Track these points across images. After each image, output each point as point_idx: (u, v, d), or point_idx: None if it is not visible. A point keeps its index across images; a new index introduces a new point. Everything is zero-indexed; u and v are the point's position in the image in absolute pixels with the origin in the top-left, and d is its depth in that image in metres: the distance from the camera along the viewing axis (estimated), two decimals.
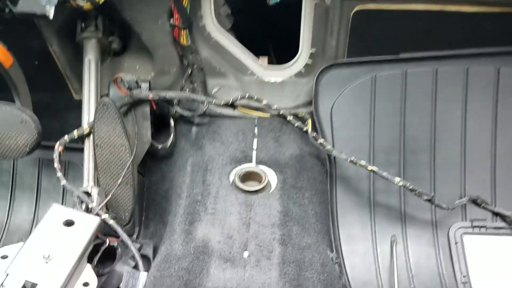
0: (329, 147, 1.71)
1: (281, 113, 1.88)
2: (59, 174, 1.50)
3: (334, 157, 1.74)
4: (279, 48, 2.19)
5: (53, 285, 1.19)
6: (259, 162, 1.74)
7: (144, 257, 1.53)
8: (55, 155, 1.53)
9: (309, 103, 1.93)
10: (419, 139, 1.75)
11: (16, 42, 1.56)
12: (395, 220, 1.69)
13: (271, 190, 1.64)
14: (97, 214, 1.44)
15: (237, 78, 1.99)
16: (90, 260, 1.37)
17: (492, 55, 1.76)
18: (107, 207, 1.58)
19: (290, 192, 1.63)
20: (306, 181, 1.69)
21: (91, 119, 1.64)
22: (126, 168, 1.59)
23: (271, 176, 1.69)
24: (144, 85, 1.76)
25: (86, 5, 1.52)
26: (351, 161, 1.62)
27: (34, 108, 1.64)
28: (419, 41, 1.78)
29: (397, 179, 1.57)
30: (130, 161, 1.59)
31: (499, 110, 1.73)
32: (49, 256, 1.24)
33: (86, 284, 1.29)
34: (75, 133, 1.61)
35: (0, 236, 1.83)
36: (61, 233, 1.32)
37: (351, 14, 1.74)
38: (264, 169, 1.70)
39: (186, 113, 1.88)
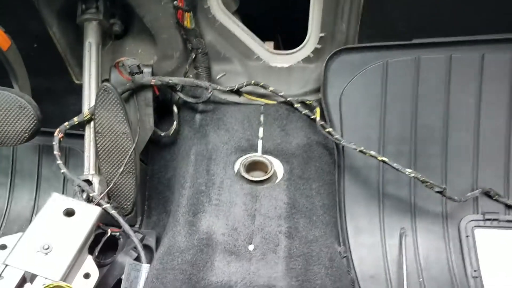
0: (337, 136, 1.67)
1: (288, 100, 1.83)
2: (59, 162, 1.47)
3: (343, 147, 1.70)
4: (286, 32, 2.13)
5: (53, 277, 1.17)
6: (265, 151, 1.70)
7: (147, 247, 1.53)
8: (55, 142, 1.50)
9: (317, 90, 1.88)
10: (431, 128, 1.71)
11: (14, 24, 1.53)
12: (405, 212, 1.66)
13: (277, 181, 1.61)
14: (98, 204, 1.41)
15: (242, 64, 1.95)
16: (91, 251, 1.35)
17: (509, 41, 1.70)
18: (109, 196, 1.57)
19: (297, 183, 1.59)
20: (314, 171, 1.65)
21: (92, 104, 1.60)
22: (128, 156, 1.57)
23: (277, 166, 1.65)
24: (147, 70, 1.72)
25: None
26: (361, 151, 1.59)
27: (33, 93, 1.60)
28: (433, 26, 1.72)
29: (408, 170, 1.54)
30: (132, 148, 1.57)
31: None
32: (48, 247, 1.22)
33: (87, 275, 1.27)
34: (76, 119, 1.58)
35: (0, 224, 1.81)
36: (61, 223, 1.29)
37: None
38: (270, 159, 1.66)
39: (190, 100, 1.83)
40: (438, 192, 1.56)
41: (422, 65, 1.72)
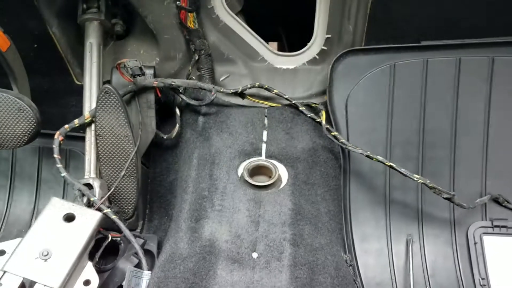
0: (343, 140, 1.65)
1: (293, 103, 1.81)
2: (59, 165, 1.44)
3: (349, 151, 1.68)
4: (291, 33, 2.11)
5: (52, 284, 1.15)
6: (269, 155, 1.68)
7: (148, 252, 1.50)
8: (55, 145, 1.47)
9: (323, 93, 1.86)
10: (439, 133, 1.69)
11: (14, 24, 1.52)
12: (412, 218, 1.64)
13: (282, 186, 1.59)
14: (99, 209, 1.38)
15: (246, 65, 1.93)
16: (91, 256, 1.32)
17: None
18: (110, 201, 1.55)
19: (301, 188, 1.57)
20: (319, 176, 1.63)
21: (93, 106, 1.58)
22: (129, 159, 1.54)
23: (281, 170, 1.64)
24: (149, 72, 1.69)
25: None
26: (368, 156, 1.56)
27: (33, 94, 1.59)
28: (441, 28, 1.71)
29: (416, 176, 1.51)
30: (134, 152, 1.54)
31: None
32: (48, 253, 1.20)
33: (87, 282, 1.25)
34: (76, 121, 1.55)
35: None
36: (61, 228, 1.27)
37: None
38: (274, 163, 1.64)
39: (193, 102, 1.81)
40: (446, 198, 1.53)
41: (431, 68, 1.69)
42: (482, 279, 1.53)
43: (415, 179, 1.51)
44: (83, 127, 1.57)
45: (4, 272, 1.14)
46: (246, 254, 1.35)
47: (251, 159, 1.66)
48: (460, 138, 1.67)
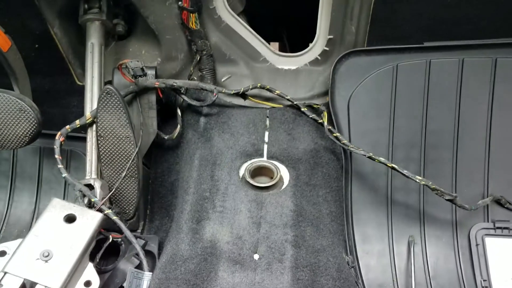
0: (345, 141, 1.64)
1: (294, 103, 1.81)
2: (60, 166, 1.44)
3: (351, 152, 1.67)
4: (293, 34, 2.10)
5: (53, 285, 1.15)
6: (270, 156, 1.68)
7: (149, 253, 1.50)
8: (56, 146, 1.47)
9: (325, 94, 1.86)
10: (441, 134, 1.68)
11: (15, 24, 1.51)
12: (413, 220, 1.64)
13: (283, 187, 1.58)
14: (100, 209, 1.38)
15: (248, 66, 1.92)
16: (92, 257, 1.32)
17: None
18: (111, 201, 1.54)
19: (303, 189, 1.57)
20: (321, 177, 1.63)
21: (94, 107, 1.57)
22: (130, 160, 1.54)
23: (283, 171, 1.63)
24: (150, 72, 1.69)
25: None
26: (370, 157, 1.56)
27: (34, 94, 1.58)
28: (444, 29, 1.69)
29: (418, 177, 1.51)
30: (135, 153, 1.53)
31: None
32: (49, 254, 1.20)
33: (87, 283, 1.25)
34: (77, 122, 1.54)
35: (0, 228, 1.78)
36: (62, 229, 1.26)
37: None
38: (276, 164, 1.64)
39: (194, 103, 1.80)
40: (448, 200, 1.53)
41: (433, 69, 1.69)
42: (484, 280, 1.53)
43: (417, 180, 1.50)
44: (84, 127, 1.57)
45: (5, 273, 1.14)
46: (247, 256, 1.35)
47: (253, 160, 1.66)
48: (462, 139, 1.66)
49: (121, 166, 1.53)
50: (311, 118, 1.78)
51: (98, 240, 1.37)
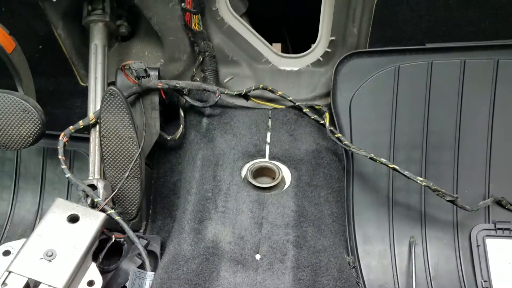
0: (347, 142, 1.65)
1: (296, 104, 1.81)
2: (64, 166, 1.45)
3: (352, 153, 1.68)
4: (295, 35, 2.10)
5: (57, 284, 1.15)
6: (272, 157, 1.68)
7: (151, 253, 1.50)
8: (60, 147, 1.48)
9: (326, 95, 1.86)
10: (443, 135, 1.68)
11: (19, 25, 1.52)
12: (414, 221, 1.64)
13: (285, 188, 1.59)
14: (103, 210, 1.39)
15: (250, 67, 1.93)
16: (95, 257, 1.33)
17: None
18: (114, 201, 1.54)
19: (305, 190, 1.57)
20: (322, 178, 1.63)
21: (97, 108, 1.58)
22: (133, 160, 1.54)
23: (285, 172, 1.64)
24: (153, 73, 1.69)
25: None
26: (371, 158, 1.56)
27: (38, 95, 1.59)
28: (446, 31, 1.70)
29: (419, 178, 1.51)
30: (138, 153, 1.54)
31: None
32: (52, 253, 1.21)
33: (90, 283, 1.26)
34: (81, 123, 1.55)
35: (4, 228, 1.80)
36: (65, 229, 1.27)
37: (375, 0, 1.65)
38: (277, 165, 1.64)
39: (197, 104, 1.81)
40: (449, 201, 1.53)
41: (435, 70, 1.69)
42: (485, 281, 1.53)
43: (419, 181, 1.50)
44: (88, 128, 1.58)
45: (9, 272, 1.15)
46: (249, 256, 1.36)
47: (255, 161, 1.66)
48: (464, 141, 1.66)
49: (124, 167, 1.54)
50: (313, 119, 1.78)
51: (101, 240, 1.37)
